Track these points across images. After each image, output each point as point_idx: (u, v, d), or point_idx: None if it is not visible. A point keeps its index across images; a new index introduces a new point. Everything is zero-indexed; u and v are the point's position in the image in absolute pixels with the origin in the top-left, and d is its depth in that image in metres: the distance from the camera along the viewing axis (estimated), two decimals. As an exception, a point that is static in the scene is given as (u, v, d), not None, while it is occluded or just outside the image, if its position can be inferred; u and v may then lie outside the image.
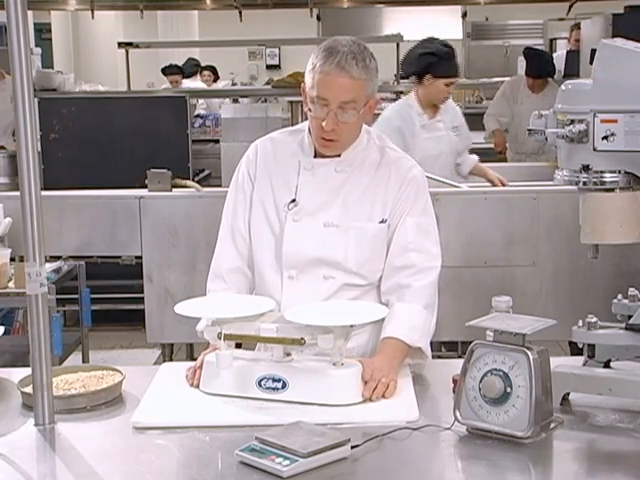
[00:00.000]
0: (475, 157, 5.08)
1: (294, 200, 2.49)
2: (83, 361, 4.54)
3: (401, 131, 4.69)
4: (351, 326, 2.16)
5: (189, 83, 10.14)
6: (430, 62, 4.67)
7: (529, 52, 6.95)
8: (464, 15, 12.54)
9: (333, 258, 2.46)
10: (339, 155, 2.50)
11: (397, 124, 4.68)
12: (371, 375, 2.18)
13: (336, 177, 2.49)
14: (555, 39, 12.81)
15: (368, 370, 2.19)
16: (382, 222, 2.47)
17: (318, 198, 2.48)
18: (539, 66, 6.76)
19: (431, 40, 4.80)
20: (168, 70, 10.22)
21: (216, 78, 10.95)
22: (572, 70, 7.61)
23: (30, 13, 2.84)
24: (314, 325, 2.13)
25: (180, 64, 10.43)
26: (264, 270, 2.53)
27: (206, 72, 10.96)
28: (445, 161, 4.82)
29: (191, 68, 10.74)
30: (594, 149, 2.06)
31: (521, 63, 8.11)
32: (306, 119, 2.55)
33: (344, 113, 2.38)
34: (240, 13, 9.67)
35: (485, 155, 7.12)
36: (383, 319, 2.29)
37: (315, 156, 2.51)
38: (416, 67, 4.75)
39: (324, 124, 2.38)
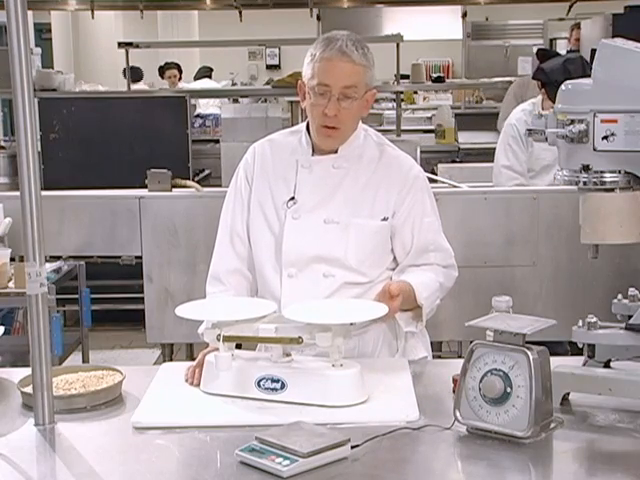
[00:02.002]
0: None
1: (293, 198, 2.50)
2: (83, 361, 4.54)
3: (526, 137, 4.62)
4: (351, 324, 2.16)
5: (195, 84, 10.16)
6: (542, 80, 4.65)
7: (544, 53, 6.91)
8: (464, 15, 12.53)
9: (333, 255, 2.46)
10: (336, 151, 2.50)
11: (523, 131, 4.61)
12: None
13: (334, 173, 2.50)
14: (555, 39, 12.81)
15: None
16: (384, 220, 2.49)
17: (317, 195, 2.49)
18: (543, 63, 6.71)
19: (569, 60, 4.64)
20: (166, 66, 10.22)
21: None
22: (572, 70, 7.59)
23: (30, 13, 2.84)
24: (313, 323, 2.13)
25: (179, 63, 10.44)
26: (264, 269, 2.53)
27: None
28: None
29: (204, 73, 10.79)
30: (594, 149, 2.07)
31: (522, 64, 8.09)
32: (306, 118, 2.55)
33: (345, 99, 2.41)
34: (240, 13, 9.67)
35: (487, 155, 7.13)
36: (383, 317, 2.28)
37: (313, 154, 2.52)
38: (534, 75, 4.75)
39: (327, 110, 2.40)
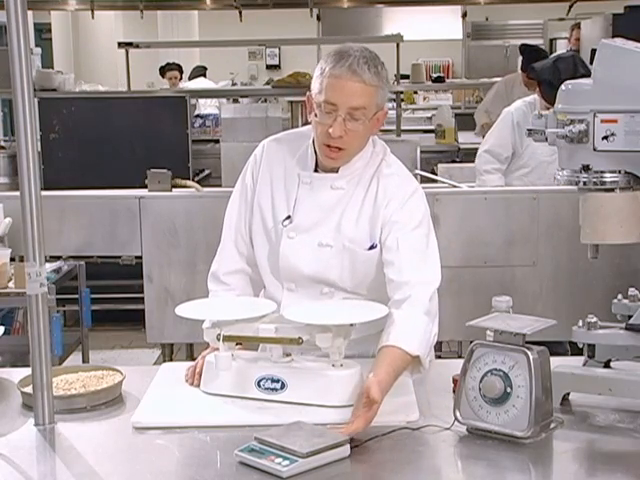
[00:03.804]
0: None
1: (289, 217, 2.43)
2: (83, 361, 4.54)
3: (519, 127, 4.63)
4: (351, 325, 2.16)
5: (192, 84, 10.17)
6: (533, 78, 4.65)
7: (526, 48, 6.94)
8: (464, 15, 12.54)
9: (328, 277, 2.41)
10: (337, 170, 2.41)
11: (517, 120, 4.66)
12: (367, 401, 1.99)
13: (331, 194, 2.41)
14: (555, 39, 12.83)
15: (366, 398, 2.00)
16: (372, 248, 2.39)
17: (313, 216, 2.42)
18: (537, 62, 6.71)
19: (560, 58, 4.59)
20: (167, 67, 10.24)
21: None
22: (572, 70, 7.60)
23: (30, 13, 2.84)
24: (312, 324, 2.13)
25: (179, 64, 10.45)
26: (265, 278, 2.51)
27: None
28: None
29: (199, 72, 10.81)
30: (594, 149, 2.07)
31: (520, 64, 8.07)
32: (306, 122, 2.51)
33: (352, 120, 2.28)
34: (240, 13, 9.68)
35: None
36: (382, 319, 2.27)
37: (316, 169, 2.44)
38: (529, 73, 4.74)
39: (331, 130, 2.28)
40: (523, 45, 7.01)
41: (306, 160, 2.45)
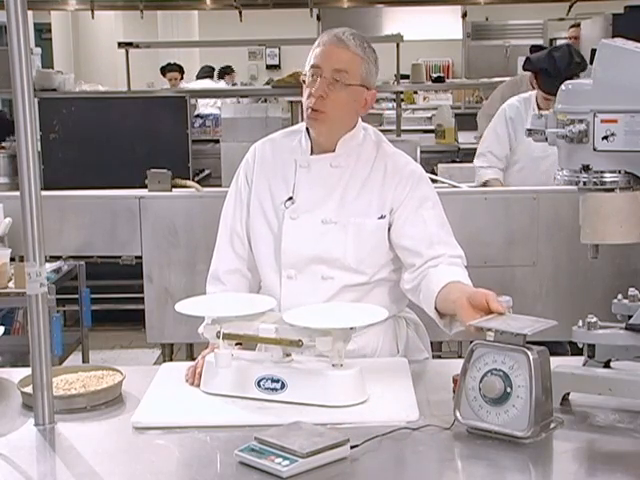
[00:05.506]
0: None
1: (291, 198, 2.49)
2: (83, 361, 4.54)
3: (513, 122, 4.69)
4: (351, 328, 2.16)
5: (196, 83, 10.19)
6: (530, 69, 4.66)
7: (537, 49, 6.89)
8: (464, 15, 12.54)
9: (332, 255, 2.45)
10: (334, 150, 2.49)
11: (510, 115, 4.71)
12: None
13: (332, 172, 2.49)
14: (555, 39, 12.81)
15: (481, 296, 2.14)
16: (381, 218, 2.46)
17: (315, 195, 2.48)
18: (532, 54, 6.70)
19: (555, 48, 4.62)
20: (168, 67, 10.25)
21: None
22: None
23: (30, 13, 2.84)
24: (313, 328, 2.13)
25: (180, 64, 10.46)
26: (264, 271, 2.53)
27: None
28: (549, 167, 4.54)
29: (205, 73, 10.82)
30: (594, 149, 2.06)
31: (522, 63, 8.01)
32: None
33: (335, 82, 2.39)
34: (240, 13, 9.69)
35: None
36: (383, 322, 2.27)
37: (312, 153, 2.52)
38: (525, 65, 4.77)
39: (313, 89, 2.40)
40: (534, 46, 6.98)
41: (301, 147, 2.53)
